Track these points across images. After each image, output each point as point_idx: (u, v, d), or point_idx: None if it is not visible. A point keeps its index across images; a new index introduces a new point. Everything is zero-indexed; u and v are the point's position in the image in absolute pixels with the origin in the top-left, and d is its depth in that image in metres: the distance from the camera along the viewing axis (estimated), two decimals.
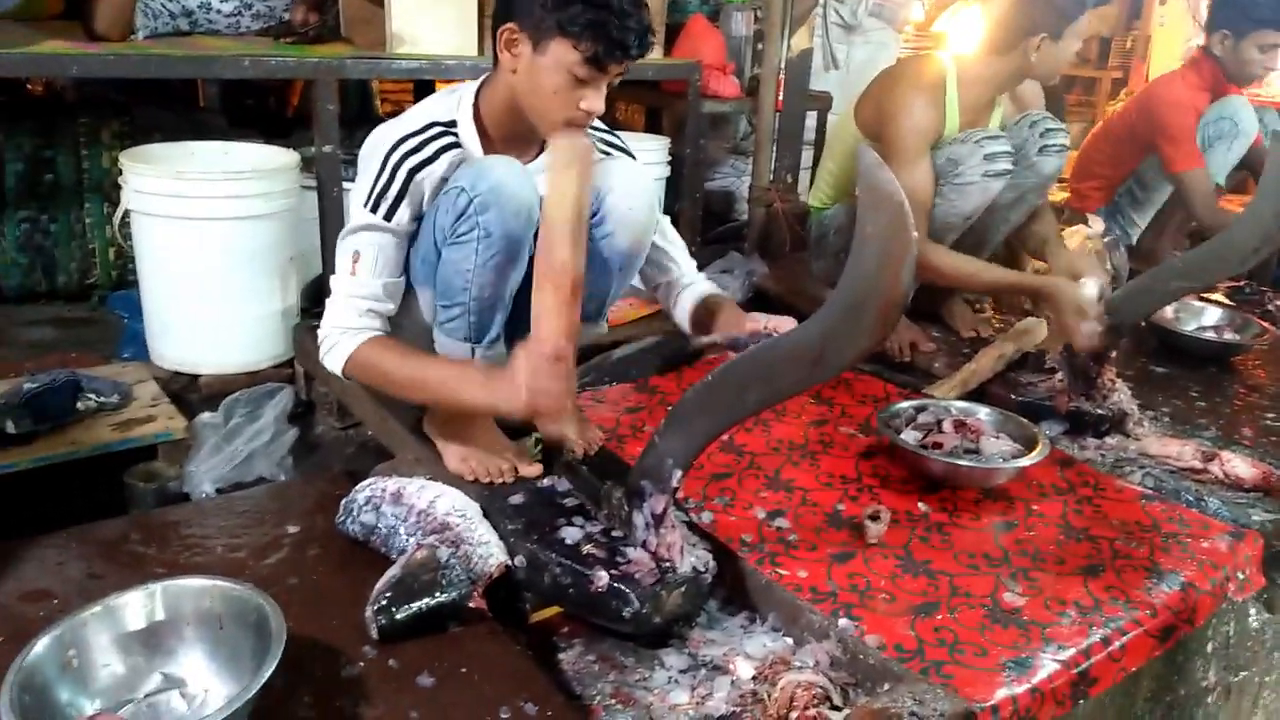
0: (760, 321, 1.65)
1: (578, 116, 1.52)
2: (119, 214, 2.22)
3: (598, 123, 1.69)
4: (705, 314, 1.76)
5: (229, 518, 1.56)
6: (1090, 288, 2.02)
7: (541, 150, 1.66)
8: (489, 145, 1.60)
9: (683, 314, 1.80)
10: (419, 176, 1.54)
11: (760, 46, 3.25)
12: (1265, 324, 2.64)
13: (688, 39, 3.25)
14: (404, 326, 1.67)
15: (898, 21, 4.08)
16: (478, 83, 1.63)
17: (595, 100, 1.50)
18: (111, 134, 2.66)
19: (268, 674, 1.06)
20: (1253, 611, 1.66)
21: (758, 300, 2.84)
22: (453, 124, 1.59)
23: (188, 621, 1.20)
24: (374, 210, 1.54)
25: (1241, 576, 1.59)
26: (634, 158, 1.76)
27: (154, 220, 2.17)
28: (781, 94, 3.16)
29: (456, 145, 1.57)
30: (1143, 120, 3.10)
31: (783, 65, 3.13)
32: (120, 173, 2.19)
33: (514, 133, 1.60)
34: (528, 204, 1.52)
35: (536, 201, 1.54)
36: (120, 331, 2.44)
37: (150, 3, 2.49)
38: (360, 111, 3.90)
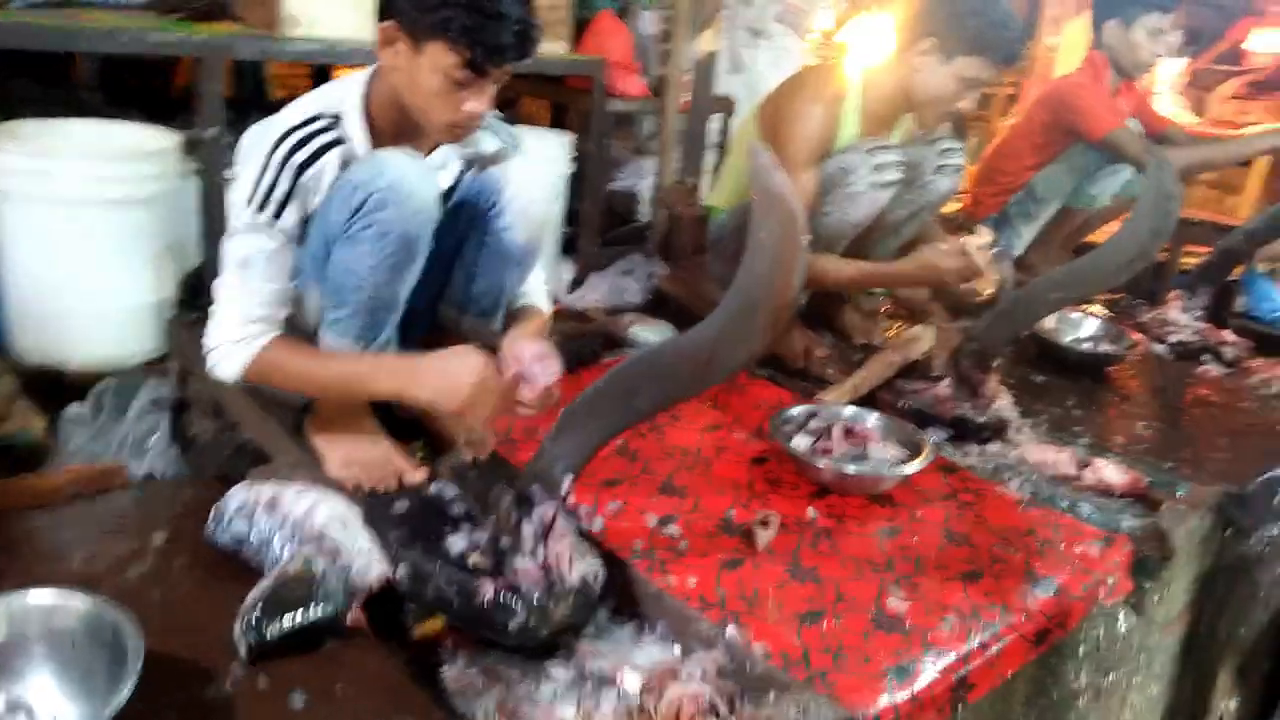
0: (511, 358, 1.53)
1: (461, 119, 1.48)
2: None
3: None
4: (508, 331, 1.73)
5: (88, 525, 1.47)
6: (974, 240, 2.11)
7: (435, 146, 1.62)
8: (378, 140, 1.54)
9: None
10: (305, 176, 1.47)
11: (667, 47, 3.25)
12: (1138, 335, 2.76)
13: (594, 35, 3.22)
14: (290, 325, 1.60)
15: (802, 28, 4.13)
16: (367, 74, 1.57)
17: (478, 103, 1.46)
18: None
19: (123, 697, 1.01)
20: (1121, 615, 1.73)
21: (658, 302, 2.84)
22: (338, 117, 1.52)
23: (36, 640, 1.13)
24: (260, 209, 1.46)
25: (1111, 581, 1.66)
26: (518, 147, 1.73)
27: (19, 202, 2.03)
28: (687, 96, 3.17)
29: (341, 142, 1.51)
30: (1052, 111, 3.17)
31: (689, 67, 3.13)
32: None
33: (404, 127, 1.54)
34: (427, 201, 1.47)
35: (436, 199, 1.49)
36: None
37: None
38: (252, 95, 3.76)
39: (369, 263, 1.46)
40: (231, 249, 1.50)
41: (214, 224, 2.28)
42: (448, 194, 1.66)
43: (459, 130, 1.51)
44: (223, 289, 1.51)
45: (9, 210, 2.06)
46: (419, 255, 1.51)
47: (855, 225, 2.23)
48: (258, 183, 1.46)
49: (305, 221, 1.51)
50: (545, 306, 1.78)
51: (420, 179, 1.46)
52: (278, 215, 1.47)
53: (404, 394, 1.48)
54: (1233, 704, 2.20)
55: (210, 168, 2.26)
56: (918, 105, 2.22)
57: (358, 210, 1.43)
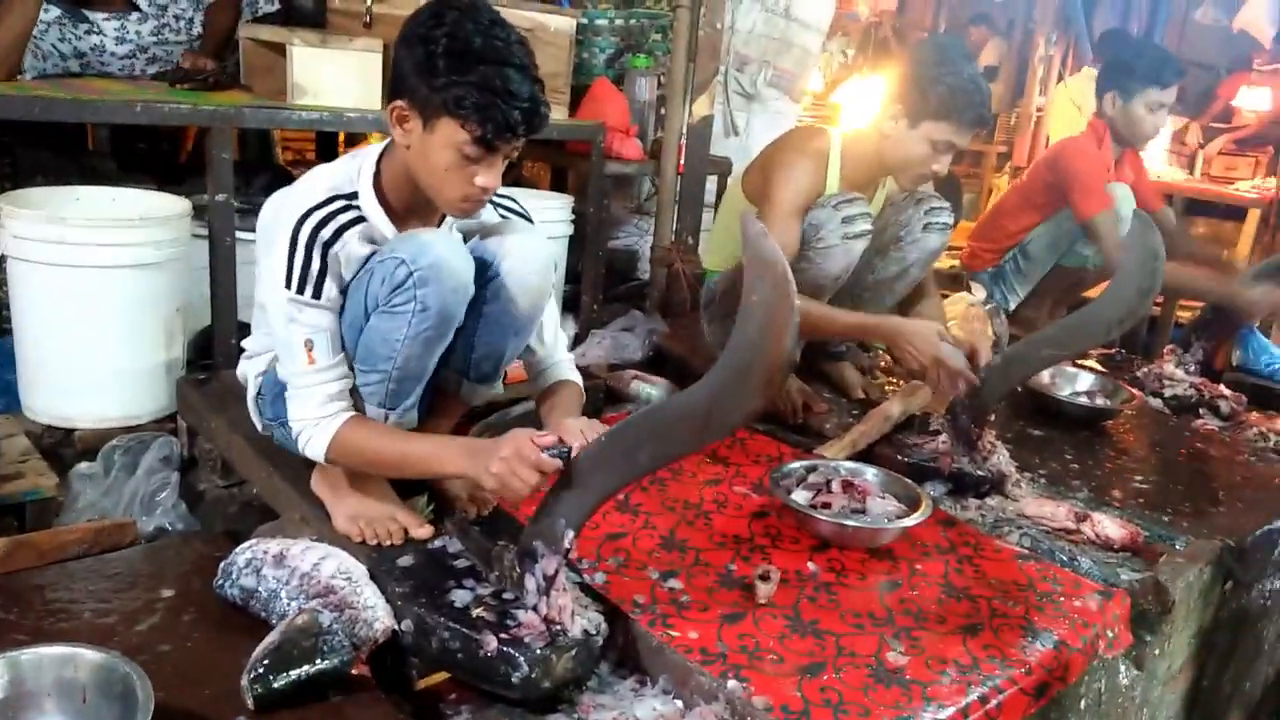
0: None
1: (473, 193, 1.52)
2: None
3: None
4: (544, 404, 1.77)
5: (98, 580, 1.49)
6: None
7: (442, 219, 1.66)
8: (393, 216, 1.59)
9: (535, 395, 1.82)
10: (333, 252, 1.52)
11: (663, 111, 3.34)
12: (1133, 390, 2.79)
13: (592, 101, 3.31)
14: None
15: (795, 91, 4.24)
16: (378, 150, 1.61)
17: (489, 177, 1.51)
18: None
19: None
20: (1122, 668, 1.73)
21: (658, 359, 2.87)
22: (354, 195, 1.57)
23: (48, 692, 1.15)
24: (300, 291, 1.51)
25: (1111, 634, 1.66)
26: (531, 221, 1.78)
27: (32, 267, 2.08)
28: (683, 158, 3.24)
29: (361, 219, 1.56)
30: (1053, 174, 3.22)
31: (684, 130, 3.21)
32: None
33: (415, 202, 1.59)
34: (465, 281, 1.53)
35: (472, 278, 1.55)
36: None
37: (40, 43, 2.41)
38: (259, 158, 3.83)
39: (405, 334, 1.51)
40: (290, 335, 1.53)
41: (222, 286, 2.33)
42: None
43: (469, 204, 1.55)
44: (295, 376, 1.55)
45: (23, 275, 2.10)
46: (451, 331, 1.57)
47: (834, 278, 2.26)
48: (290, 266, 1.50)
49: (342, 293, 1.56)
50: (576, 378, 1.82)
51: (460, 260, 1.52)
52: (317, 293, 1.52)
53: (467, 475, 1.52)
54: None
55: (219, 232, 2.31)
56: (891, 169, 2.28)
57: (400, 285, 1.48)
